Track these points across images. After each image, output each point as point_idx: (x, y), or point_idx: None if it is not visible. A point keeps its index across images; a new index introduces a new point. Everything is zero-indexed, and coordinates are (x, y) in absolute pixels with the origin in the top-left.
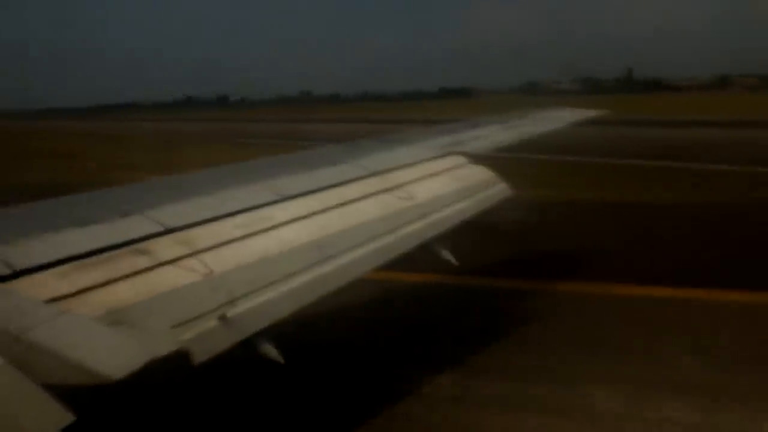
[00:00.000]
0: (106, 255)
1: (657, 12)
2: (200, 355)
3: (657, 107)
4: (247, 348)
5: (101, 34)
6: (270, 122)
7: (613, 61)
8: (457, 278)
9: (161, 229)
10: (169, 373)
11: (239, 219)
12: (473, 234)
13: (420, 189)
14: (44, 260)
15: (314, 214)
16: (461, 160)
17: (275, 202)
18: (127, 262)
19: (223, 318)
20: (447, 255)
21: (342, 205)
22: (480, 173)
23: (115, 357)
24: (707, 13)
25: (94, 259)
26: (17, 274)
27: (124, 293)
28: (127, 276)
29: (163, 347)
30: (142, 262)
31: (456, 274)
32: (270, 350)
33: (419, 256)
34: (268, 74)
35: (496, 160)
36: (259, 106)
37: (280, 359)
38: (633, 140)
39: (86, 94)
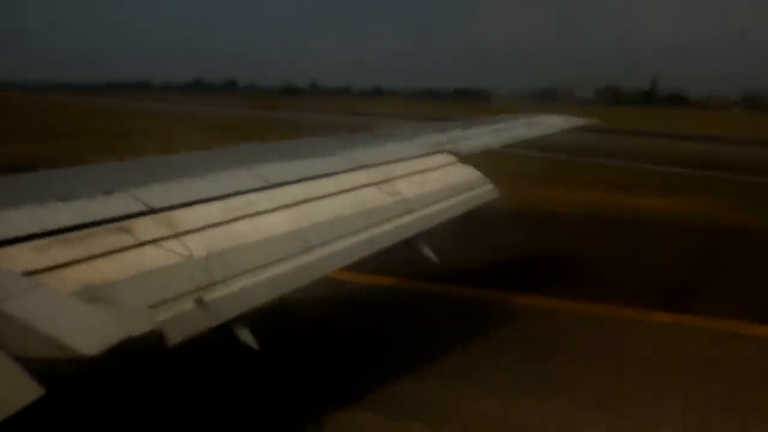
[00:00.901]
0: (86, 231)
1: (684, 23)
2: (175, 337)
3: (675, 122)
4: (223, 332)
5: (108, 10)
6: (302, 111)
7: (637, 72)
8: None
9: (144, 208)
10: (144, 353)
11: (224, 203)
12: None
13: (407, 185)
14: (22, 233)
15: (299, 203)
16: (450, 158)
17: (261, 188)
18: (107, 239)
19: (200, 301)
20: (428, 252)
21: (328, 195)
22: (468, 173)
23: (89, 333)
24: (736, 26)
25: (73, 234)
26: None
27: (102, 270)
28: (106, 253)
29: (139, 327)
30: (123, 240)
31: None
32: (246, 336)
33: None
34: (275, 62)
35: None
36: (267, 94)
37: (255, 345)
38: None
39: (91, 70)
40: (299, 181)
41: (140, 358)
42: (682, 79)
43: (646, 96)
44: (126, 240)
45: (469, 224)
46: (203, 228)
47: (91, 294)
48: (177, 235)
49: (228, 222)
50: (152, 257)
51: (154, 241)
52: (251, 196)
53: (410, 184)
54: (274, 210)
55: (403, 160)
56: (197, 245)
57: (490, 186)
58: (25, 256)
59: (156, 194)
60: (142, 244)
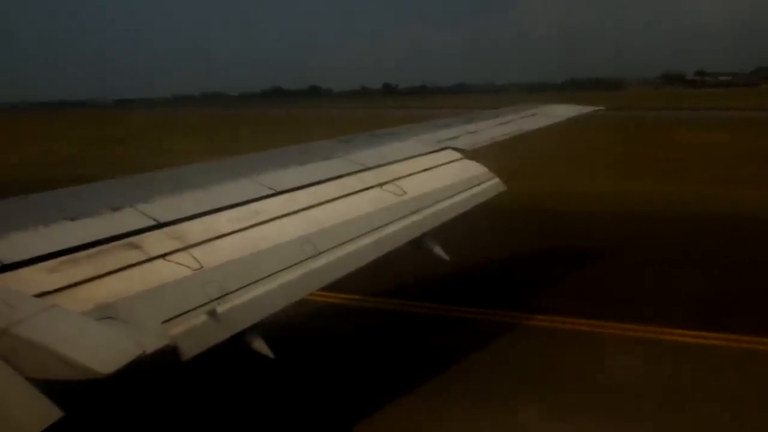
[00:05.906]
0: (96, 249)
1: None
2: (190, 351)
3: None
4: (237, 343)
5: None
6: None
7: None
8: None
9: (152, 223)
10: (159, 368)
11: (231, 213)
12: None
13: (413, 184)
14: (33, 254)
15: (306, 208)
16: (454, 155)
17: (267, 196)
18: (117, 256)
19: (213, 313)
20: (439, 251)
21: (334, 199)
22: (473, 168)
23: (104, 352)
24: None
25: (84, 253)
26: (5, 268)
27: (114, 288)
28: (117, 270)
29: (153, 342)
30: (133, 256)
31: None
32: (259, 344)
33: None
34: (343, 66)
35: None
36: (345, 97)
37: (270, 354)
38: None
39: (165, 86)
40: (305, 186)
41: (155, 373)
42: None
43: None
44: (136, 256)
45: None
46: (211, 239)
47: (104, 312)
48: (186, 248)
49: (236, 232)
50: (163, 272)
51: (163, 256)
52: (257, 205)
53: (415, 184)
54: (281, 217)
55: (407, 159)
56: (206, 257)
57: (496, 180)
58: (37, 277)
59: (163, 208)
60: (151, 259)
